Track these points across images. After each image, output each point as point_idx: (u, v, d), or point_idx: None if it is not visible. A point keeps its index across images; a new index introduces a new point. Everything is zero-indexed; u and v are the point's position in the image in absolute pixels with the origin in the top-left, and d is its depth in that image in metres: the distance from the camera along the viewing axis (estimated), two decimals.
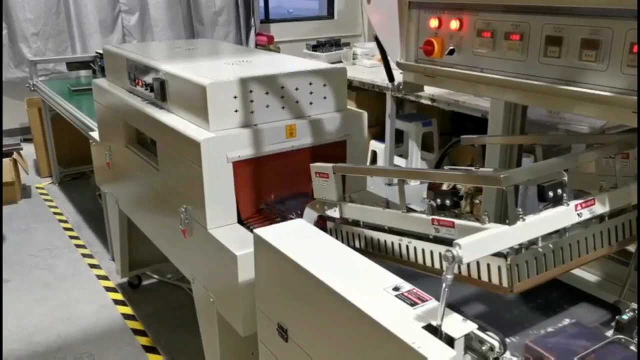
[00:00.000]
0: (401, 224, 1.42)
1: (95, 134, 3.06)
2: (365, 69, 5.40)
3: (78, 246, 3.82)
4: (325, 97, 2.12)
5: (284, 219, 1.97)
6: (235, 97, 1.92)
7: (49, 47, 5.85)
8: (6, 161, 4.45)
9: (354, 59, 5.65)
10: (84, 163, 4.95)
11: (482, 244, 1.11)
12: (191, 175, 1.94)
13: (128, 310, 3.08)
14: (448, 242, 1.33)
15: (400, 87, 1.75)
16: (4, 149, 4.51)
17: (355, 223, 1.59)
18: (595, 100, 1.16)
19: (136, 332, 2.91)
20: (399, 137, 5.12)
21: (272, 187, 2.07)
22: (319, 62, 2.18)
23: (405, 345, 1.10)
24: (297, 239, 1.52)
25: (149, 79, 2.30)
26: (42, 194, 4.75)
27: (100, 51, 5.11)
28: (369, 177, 2.39)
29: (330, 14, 8.21)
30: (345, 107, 2.18)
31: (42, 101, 4.74)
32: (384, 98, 4.83)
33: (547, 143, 1.73)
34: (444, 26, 1.53)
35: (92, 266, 3.55)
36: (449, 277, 1.08)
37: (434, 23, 1.54)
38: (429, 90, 4.29)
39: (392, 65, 1.75)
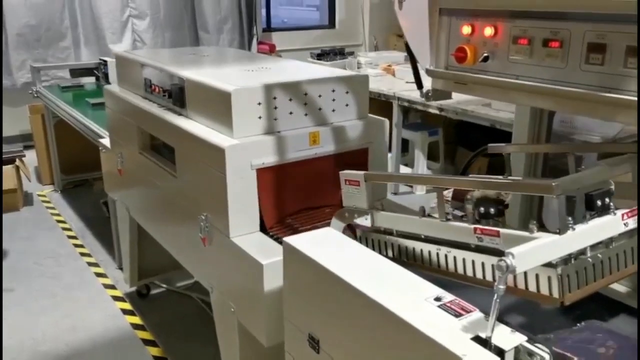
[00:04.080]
0: (440, 232, 1.39)
1: (105, 141, 3.02)
2: (370, 77, 5.37)
3: (83, 254, 3.77)
4: (347, 105, 2.09)
5: (308, 228, 1.94)
6: (259, 103, 1.90)
7: (50, 54, 5.80)
8: (8, 168, 4.39)
9: (358, 67, 5.65)
10: (86, 170, 4.92)
11: (535, 253, 1.09)
12: (213, 182, 1.91)
13: (137, 320, 3.03)
14: (491, 252, 1.31)
15: (429, 94, 1.74)
16: (6, 156, 4.45)
17: (388, 231, 1.56)
18: None
19: (146, 342, 2.86)
20: (404, 146, 5.10)
21: (295, 194, 2.04)
22: (340, 69, 2.15)
23: (455, 357, 1.07)
24: (330, 247, 1.49)
25: (166, 85, 2.28)
26: (44, 201, 4.69)
27: (105, 58, 5.10)
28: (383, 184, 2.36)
29: (332, 24, 8.23)
30: (367, 115, 2.16)
31: (45, 107, 4.69)
32: (389, 107, 4.82)
33: (579, 152, 1.72)
34: (477, 33, 1.51)
35: (99, 275, 3.50)
36: (502, 287, 1.05)
37: (466, 30, 1.53)
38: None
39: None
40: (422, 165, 4.92)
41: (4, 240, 3.92)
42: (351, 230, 1.70)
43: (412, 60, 1.70)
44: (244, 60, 2.52)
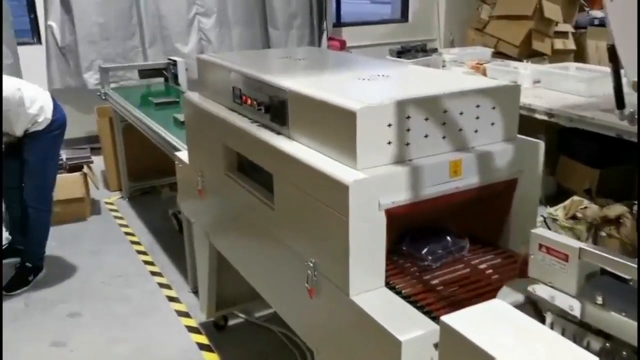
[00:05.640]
0: None
1: (182, 155, 2.68)
2: None
3: (153, 274, 3.47)
4: (493, 123, 1.65)
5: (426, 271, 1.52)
6: (389, 125, 1.48)
7: (119, 53, 5.56)
8: (76, 175, 4.16)
9: (443, 66, 5.15)
10: (154, 177, 4.65)
11: None
12: (327, 224, 1.51)
13: (215, 358, 2.69)
14: None
15: (634, 115, 1.27)
16: (73, 162, 4.22)
17: (607, 335, 1.11)
18: None
19: None
20: None
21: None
22: (481, 78, 1.70)
23: None
24: (510, 335, 1.07)
25: (261, 96, 1.89)
26: (111, 210, 4.44)
27: (174, 58, 4.81)
28: None
29: (405, 17, 7.72)
30: (516, 136, 1.71)
31: (113, 111, 4.44)
32: None
33: None
34: None
35: (171, 299, 3.18)
36: None
37: None
38: (545, 103, 3.76)
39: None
40: None
41: (72, 255, 3.68)
42: (530, 303, 1.27)
43: (616, 70, 1.24)
44: (353, 66, 2.10)
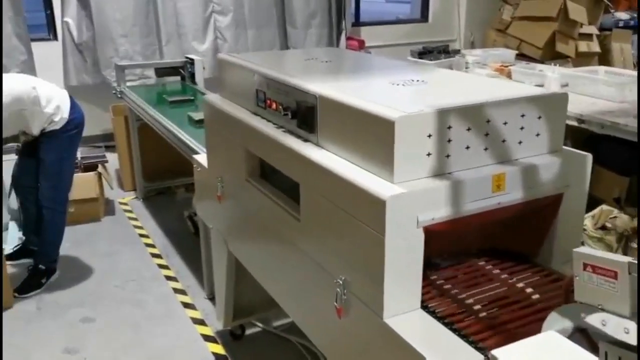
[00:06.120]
0: None
1: (200, 158, 2.59)
2: None
3: (168, 278, 3.38)
4: (538, 134, 1.54)
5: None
6: (429, 135, 1.37)
7: (136, 50, 5.49)
8: (90, 175, 4.08)
9: (466, 68, 5.02)
10: (169, 177, 4.58)
11: None
12: (360, 240, 1.41)
13: None
14: None
15: None
16: (87, 162, 4.15)
17: None
18: None
19: None
20: None
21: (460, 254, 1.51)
22: (524, 86, 1.59)
23: None
24: None
25: (287, 100, 1.79)
26: (125, 210, 4.37)
27: (191, 56, 4.73)
28: None
29: (425, 17, 7.59)
30: (562, 148, 1.60)
31: (129, 109, 4.37)
32: None
33: None
34: None
35: (186, 305, 3.09)
36: None
37: None
38: (574, 108, 3.62)
39: None
40: None
41: (86, 257, 3.61)
42: (581, 331, 1.16)
43: None
44: (383, 70, 2.00)
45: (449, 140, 1.40)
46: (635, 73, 4.23)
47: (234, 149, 2.13)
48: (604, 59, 6.85)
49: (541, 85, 4.06)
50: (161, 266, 3.52)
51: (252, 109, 2.05)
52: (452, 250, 1.71)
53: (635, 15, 7.46)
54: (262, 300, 2.53)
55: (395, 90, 1.62)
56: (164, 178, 4.60)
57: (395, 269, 1.35)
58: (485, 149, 1.46)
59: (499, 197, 1.45)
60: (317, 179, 1.57)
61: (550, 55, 6.38)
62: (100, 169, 4.18)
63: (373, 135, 1.40)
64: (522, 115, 1.49)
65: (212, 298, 3.06)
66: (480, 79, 1.79)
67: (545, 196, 1.53)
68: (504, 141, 1.49)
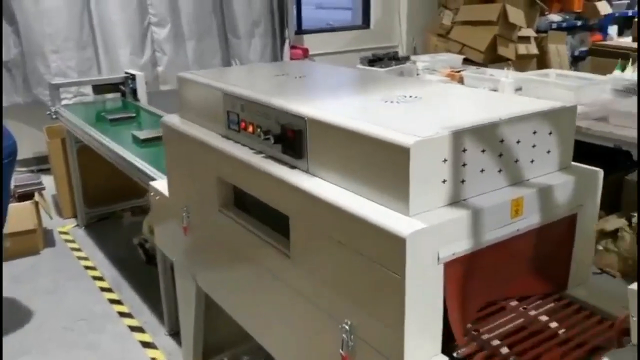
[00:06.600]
0: None
1: (158, 185, 2.36)
2: None
3: (122, 314, 3.10)
4: (549, 151, 1.42)
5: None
6: (444, 160, 1.23)
7: (70, 66, 5.11)
8: (27, 204, 3.72)
9: (417, 74, 4.96)
10: (113, 201, 4.26)
11: None
12: (371, 281, 1.25)
13: None
14: None
15: None
16: (23, 190, 3.79)
17: None
18: None
19: None
20: None
21: (480, 289, 1.37)
22: (536, 100, 1.48)
23: None
24: None
25: (268, 123, 1.61)
26: (67, 240, 4.01)
27: (131, 71, 4.43)
28: None
29: (366, 24, 7.54)
30: (571, 164, 1.49)
31: (67, 131, 4.02)
32: None
33: None
34: None
35: (145, 344, 2.83)
36: None
37: None
38: None
39: None
40: None
41: (27, 295, 3.26)
42: None
43: None
44: (367, 84, 1.84)
45: (464, 165, 1.26)
46: (586, 75, 4.30)
47: (202, 177, 1.92)
48: (542, 60, 7.01)
49: (495, 90, 4.04)
50: (113, 301, 3.23)
51: (223, 132, 1.85)
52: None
53: (567, 17, 7.71)
54: (232, 335, 2.32)
55: (393, 109, 1.46)
56: (107, 202, 4.27)
57: (416, 313, 1.20)
58: (500, 171, 1.34)
59: (517, 223, 1.32)
60: (313, 212, 1.40)
61: (492, 58, 6.47)
62: (37, 197, 3.83)
63: (382, 162, 1.24)
64: (534, 132, 1.37)
65: (174, 334, 2.81)
66: (473, 92, 1.67)
67: (560, 218, 1.42)
68: (516, 161, 1.36)
